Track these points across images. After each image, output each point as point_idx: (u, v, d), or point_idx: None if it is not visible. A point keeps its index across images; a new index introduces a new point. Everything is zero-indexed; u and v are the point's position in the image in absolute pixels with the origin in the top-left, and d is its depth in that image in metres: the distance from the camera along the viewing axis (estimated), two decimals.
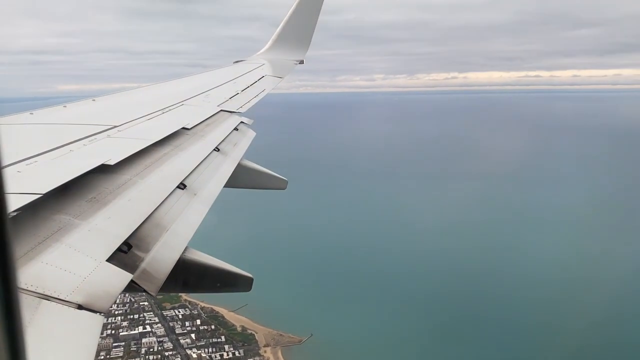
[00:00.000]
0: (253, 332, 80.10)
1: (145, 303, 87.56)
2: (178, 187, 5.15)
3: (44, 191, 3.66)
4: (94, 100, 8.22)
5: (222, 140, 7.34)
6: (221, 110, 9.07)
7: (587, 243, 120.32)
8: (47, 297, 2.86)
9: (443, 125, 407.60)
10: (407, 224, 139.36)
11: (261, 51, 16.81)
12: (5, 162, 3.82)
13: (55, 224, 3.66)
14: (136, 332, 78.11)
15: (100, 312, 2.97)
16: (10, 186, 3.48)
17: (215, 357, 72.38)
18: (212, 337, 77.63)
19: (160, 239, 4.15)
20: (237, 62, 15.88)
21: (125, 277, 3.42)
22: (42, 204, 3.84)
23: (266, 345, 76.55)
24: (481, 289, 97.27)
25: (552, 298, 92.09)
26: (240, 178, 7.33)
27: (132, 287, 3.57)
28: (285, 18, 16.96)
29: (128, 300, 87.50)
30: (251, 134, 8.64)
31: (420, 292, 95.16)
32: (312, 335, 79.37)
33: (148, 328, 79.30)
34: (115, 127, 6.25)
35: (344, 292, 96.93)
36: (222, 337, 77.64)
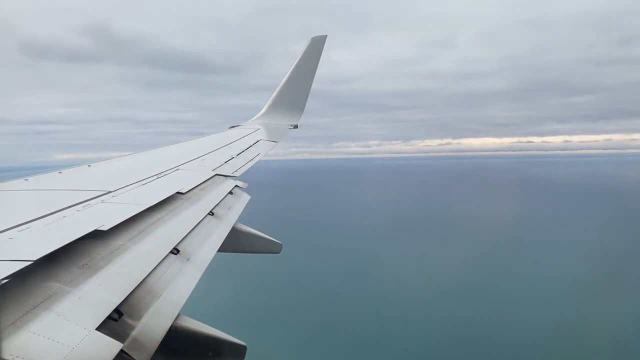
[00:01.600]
0: None
1: None
2: (171, 252, 5.10)
3: (35, 258, 3.63)
4: (89, 166, 8.23)
5: (217, 204, 7.33)
6: (216, 175, 9.11)
7: (583, 300, 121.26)
8: None
9: (435, 190, 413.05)
10: (404, 285, 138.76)
11: (256, 116, 17.18)
12: None
13: (45, 292, 3.60)
14: None
15: None
16: (1, 253, 3.46)
17: None
18: None
19: (152, 306, 4.07)
20: (232, 127, 16.08)
21: (115, 346, 3.32)
22: (33, 271, 3.81)
23: None
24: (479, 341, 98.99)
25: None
26: (235, 242, 7.28)
27: (122, 357, 3.48)
28: (280, 84, 17.47)
29: None
30: (245, 198, 8.63)
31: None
32: None
33: None
34: (110, 192, 6.25)
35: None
36: None
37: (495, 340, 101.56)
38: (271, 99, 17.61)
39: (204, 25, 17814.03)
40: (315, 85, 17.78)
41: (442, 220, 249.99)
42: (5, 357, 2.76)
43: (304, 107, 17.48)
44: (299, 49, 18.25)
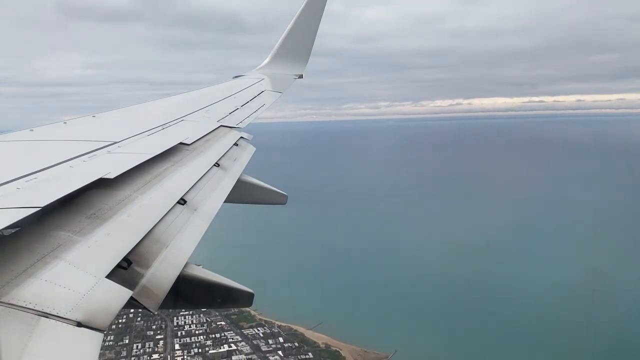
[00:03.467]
0: (337, 349, 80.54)
1: (223, 323, 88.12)
2: (178, 202, 5.16)
3: (43, 204, 3.66)
4: (94, 116, 8.17)
5: (222, 156, 7.36)
6: (221, 126, 9.05)
7: (592, 256, 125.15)
8: (45, 315, 2.86)
9: (446, 150, 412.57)
10: (413, 242, 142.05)
11: (260, 66, 16.73)
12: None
13: (54, 241, 3.65)
14: (223, 350, 78.47)
15: (99, 330, 2.97)
16: (9, 202, 3.57)
17: None
18: (299, 354, 78.02)
19: (160, 255, 4.15)
20: (236, 77, 15.75)
21: (125, 293, 3.42)
22: (42, 221, 3.88)
23: None
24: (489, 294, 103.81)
25: (553, 303, 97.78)
26: (241, 193, 7.30)
27: (132, 304, 3.57)
28: (284, 33, 16.92)
29: (206, 321, 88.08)
30: (251, 149, 8.61)
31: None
32: (396, 351, 79.89)
33: (233, 346, 79.69)
34: (115, 143, 6.26)
35: (410, 307, 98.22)
36: (310, 354, 78.02)
37: (510, 295, 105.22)
38: (275, 48, 16.97)
39: None
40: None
41: (452, 180, 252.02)
42: (19, 304, 2.84)
43: (309, 56, 16.99)
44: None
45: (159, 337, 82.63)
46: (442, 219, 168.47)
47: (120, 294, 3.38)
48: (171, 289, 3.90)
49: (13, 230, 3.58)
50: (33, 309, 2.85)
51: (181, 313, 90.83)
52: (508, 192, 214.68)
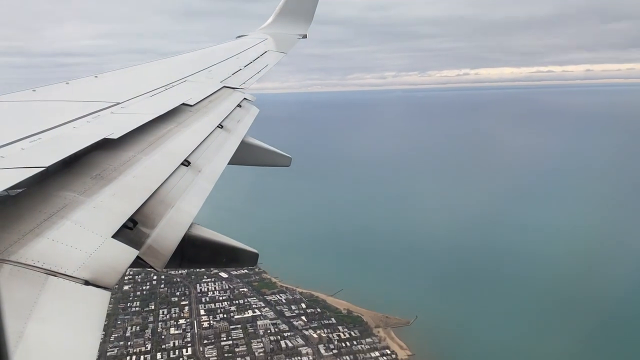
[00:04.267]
0: (359, 315, 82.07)
1: (245, 289, 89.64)
2: (182, 164, 5.18)
3: (48, 164, 3.67)
4: (96, 77, 8.15)
5: (226, 117, 7.30)
6: (224, 87, 8.98)
7: (598, 223, 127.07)
8: (53, 273, 2.88)
9: (453, 121, 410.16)
10: (417, 213, 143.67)
11: (264, 25, 16.39)
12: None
13: (60, 201, 3.67)
14: (248, 315, 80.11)
15: (107, 288, 3.00)
16: (14, 162, 3.53)
17: (333, 337, 74.27)
18: (322, 320, 79.57)
19: (165, 216, 4.19)
20: (239, 36, 15.48)
21: (131, 253, 3.47)
22: (47, 181, 3.90)
23: (377, 327, 78.52)
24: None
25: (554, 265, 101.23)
26: (245, 155, 7.33)
27: (138, 263, 3.62)
28: None
29: (228, 287, 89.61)
30: (254, 111, 8.55)
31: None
32: (417, 317, 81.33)
33: (257, 312, 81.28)
34: (118, 103, 6.22)
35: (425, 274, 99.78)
36: (332, 319, 79.57)
37: (520, 260, 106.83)
38: (278, 7, 16.61)
39: None
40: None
41: (458, 151, 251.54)
42: (27, 263, 2.86)
43: (313, 15, 16.66)
44: None
45: (183, 302, 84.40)
46: (452, 188, 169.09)
47: (127, 253, 3.43)
48: (176, 249, 3.95)
49: (18, 191, 3.59)
50: (41, 268, 2.86)
51: (203, 280, 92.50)
52: (515, 161, 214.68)
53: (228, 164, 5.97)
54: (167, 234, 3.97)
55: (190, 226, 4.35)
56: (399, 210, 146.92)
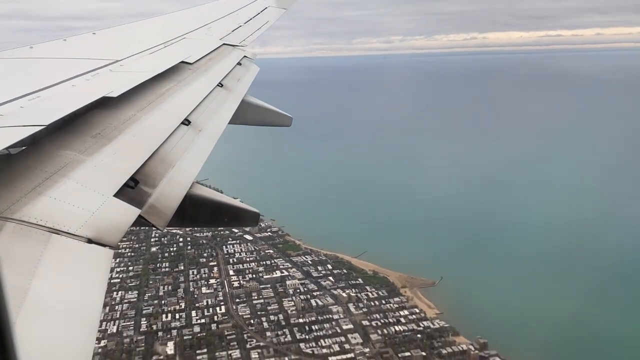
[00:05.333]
0: (385, 276, 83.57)
1: (271, 251, 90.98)
2: (182, 123, 5.15)
3: (47, 122, 3.64)
4: (94, 34, 8.00)
5: (226, 76, 7.22)
6: (224, 44, 8.83)
7: (604, 187, 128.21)
8: (56, 231, 2.89)
9: (460, 87, 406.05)
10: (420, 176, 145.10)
11: None
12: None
13: (61, 160, 3.66)
14: (276, 275, 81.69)
15: (110, 246, 3.00)
16: (14, 120, 3.50)
17: (362, 296, 75.92)
18: (349, 280, 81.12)
19: (166, 175, 4.19)
20: None
21: (133, 212, 3.47)
22: (48, 140, 3.89)
23: (403, 287, 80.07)
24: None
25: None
26: (245, 114, 7.28)
27: (140, 222, 3.62)
28: None
29: (254, 249, 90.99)
30: (255, 69, 8.45)
31: None
32: (442, 278, 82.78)
33: (285, 272, 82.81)
34: (117, 61, 6.16)
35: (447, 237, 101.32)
36: (359, 280, 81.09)
37: (529, 222, 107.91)
38: None
39: None
40: None
41: (465, 117, 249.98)
42: (30, 221, 2.87)
43: None
44: None
45: (212, 263, 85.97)
46: (467, 152, 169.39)
47: (129, 212, 3.44)
48: (178, 208, 3.97)
49: (19, 149, 3.61)
50: (44, 226, 2.88)
51: (229, 242, 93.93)
52: (522, 126, 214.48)
53: (228, 123, 5.95)
54: (168, 194, 3.98)
55: (192, 185, 4.38)
56: (411, 175, 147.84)
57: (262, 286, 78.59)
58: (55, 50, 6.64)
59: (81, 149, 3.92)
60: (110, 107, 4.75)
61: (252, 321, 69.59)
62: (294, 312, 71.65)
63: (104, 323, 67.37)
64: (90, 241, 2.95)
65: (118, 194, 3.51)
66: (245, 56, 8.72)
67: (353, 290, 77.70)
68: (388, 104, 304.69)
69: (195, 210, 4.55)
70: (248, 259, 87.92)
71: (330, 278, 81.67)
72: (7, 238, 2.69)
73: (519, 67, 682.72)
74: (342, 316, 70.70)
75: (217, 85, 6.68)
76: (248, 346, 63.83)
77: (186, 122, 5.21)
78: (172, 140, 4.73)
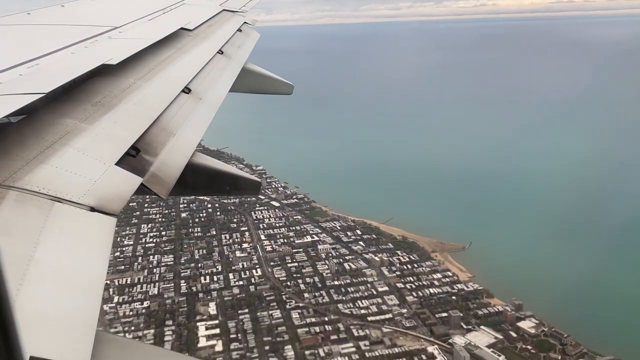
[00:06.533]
0: (415, 241, 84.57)
1: (299, 217, 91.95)
2: (183, 91, 5.12)
3: (47, 90, 3.61)
4: None
5: (226, 42, 7.09)
6: (223, 10, 8.64)
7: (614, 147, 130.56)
8: (59, 200, 2.87)
9: (469, 55, 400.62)
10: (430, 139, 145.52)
11: None
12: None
13: (62, 128, 3.64)
14: (308, 240, 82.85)
15: (113, 214, 2.99)
16: (13, 88, 3.43)
17: (394, 260, 77.10)
18: (380, 245, 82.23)
19: (168, 143, 4.18)
20: None
21: (135, 180, 3.45)
22: (47, 108, 3.85)
23: (433, 252, 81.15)
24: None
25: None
26: (246, 82, 7.20)
27: (142, 190, 3.60)
28: None
29: (282, 215, 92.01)
30: (255, 36, 8.28)
31: None
32: (471, 243, 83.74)
33: (315, 237, 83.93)
34: (116, 28, 6.05)
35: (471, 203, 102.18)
36: (390, 245, 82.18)
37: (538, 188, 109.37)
38: None
39: None
40: None
41: (476, 84, 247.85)
42: (32, 189, 2.85)
43: None
44: None
45: (243, 229, 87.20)
46: (459, 120, 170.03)
47: (131, 180, 3.44)
48: (180, 176, 3.97)
49: (19, 117, 3.59)
50: (46, 194, 2.86)
51: (257, 208, 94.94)
52: (532, 93, 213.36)
53: (229, 91, 5.91)
54: (170, 162, 3.98)
55: (193, 154, 4.38)
56: (430, 142, 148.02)
57: (294, 250, 79.85)
58: (53, 17, 6.54)
59: (81, 118, 3.91)
60: (110, 75, 4.72)
61: (288, 283, 71.09)
62: (328, 274, 73.05)
63: (145, 285, 69.07)
64: (92, 209, 2.94)
65: (120, 163, 3.52)
66: (245, 22, 8.58)
67: (385, 254, 78.84)
68: (402, 73, 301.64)
69: (196, 179, 4.56)
70: (277, 225, 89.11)
71: (361, 243, 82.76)
72: (10, 206, 2.67)
73: (531, 34, 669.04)
74: (376, 279, 72.00)
75: (218, 52, 6.58)
76: (287, 306, 65.38)
77: (187, 90, 5.18)
78: (172, 109, 4.70)
